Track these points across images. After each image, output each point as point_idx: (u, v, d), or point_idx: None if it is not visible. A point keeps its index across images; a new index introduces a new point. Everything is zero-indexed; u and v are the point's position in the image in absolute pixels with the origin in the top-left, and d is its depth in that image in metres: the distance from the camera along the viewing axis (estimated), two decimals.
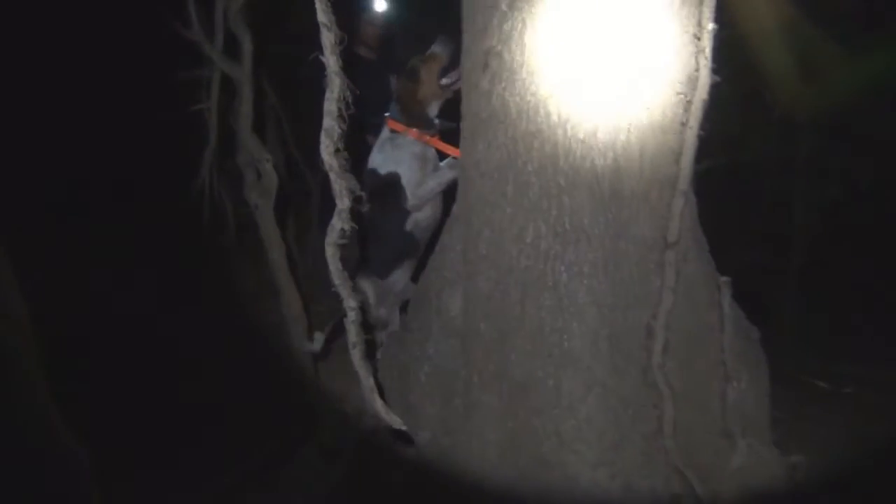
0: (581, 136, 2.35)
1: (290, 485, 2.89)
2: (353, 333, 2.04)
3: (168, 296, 4.09)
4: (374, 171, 3.49)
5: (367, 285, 3.52)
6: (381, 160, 3.49)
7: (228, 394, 3.29)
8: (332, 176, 1.92)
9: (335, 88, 1.86)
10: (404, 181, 3.40)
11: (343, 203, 1.93)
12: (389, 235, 3.50)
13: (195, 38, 3.30)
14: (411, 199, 3.41)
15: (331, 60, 1.85)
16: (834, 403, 4.05)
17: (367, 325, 2.97)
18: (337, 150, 1.90)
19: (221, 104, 3.60)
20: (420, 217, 3.48)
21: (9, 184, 3.39)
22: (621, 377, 2.50)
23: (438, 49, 3.43)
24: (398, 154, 3.44)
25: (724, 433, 2.65)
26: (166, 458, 2.73)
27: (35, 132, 4.10)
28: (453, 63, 3.31)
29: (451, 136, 3.21)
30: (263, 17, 3.48)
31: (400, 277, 3.62)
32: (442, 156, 3.54)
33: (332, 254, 1.96)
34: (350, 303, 2.03)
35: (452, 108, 3.17)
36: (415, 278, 3.49)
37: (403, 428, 2.34)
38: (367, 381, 2.13)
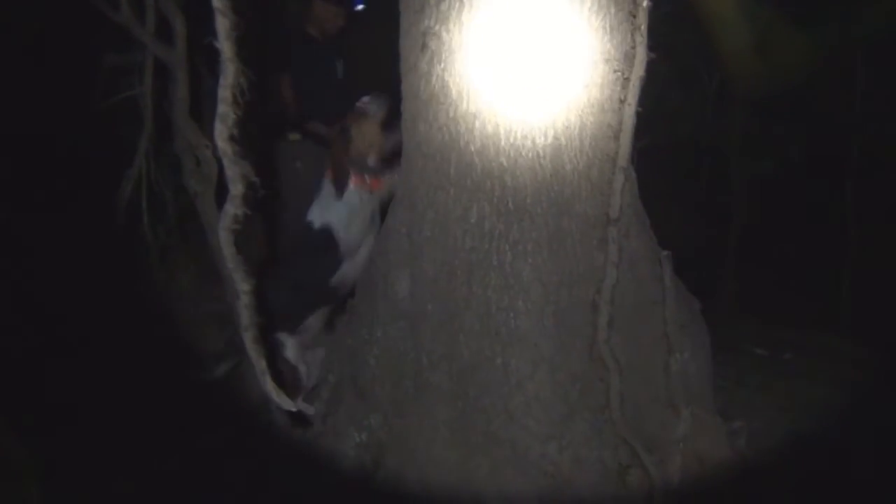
0: (521, 115, 2.36)
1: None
2: (244, 317, 2.04)
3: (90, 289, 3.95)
4: (310, 223, 3.35)
5: (284, 339, 3.22)
6: (317, 212, 3.34)
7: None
8: (225, 162, 1.90)
9: (229, 75, 1.83)
10: (340, 233, 3.27)
11: (237, 189, 1.91)
12: (309, 287, 3.34)
13: (124, 21, 3.19)
14: (344, 247, 3.28)
15: (225, 46, 1.81)
16: (774, 370, 4.19)
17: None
18: (231, 137, 1.88)
19: (155, 90, 3.50)
20: (349, 272, 3.31)
21: None
22: (568, 353, 2.54)
23: (372, 107, 3.34)
24: (336, 207, 3.28)
25: (668, 403, 2.72)
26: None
27: None
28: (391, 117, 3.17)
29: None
30: None
31: (316, 321, 3.43)
32: None
33: (224, 238, 1.96)
34: (243, 286, 2.02)
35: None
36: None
37: (294, 409, 2.34)
38: (260, 364, 2.13)
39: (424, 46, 2.43)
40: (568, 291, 2.53)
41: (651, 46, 2.38)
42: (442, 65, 2.40)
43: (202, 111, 4.28)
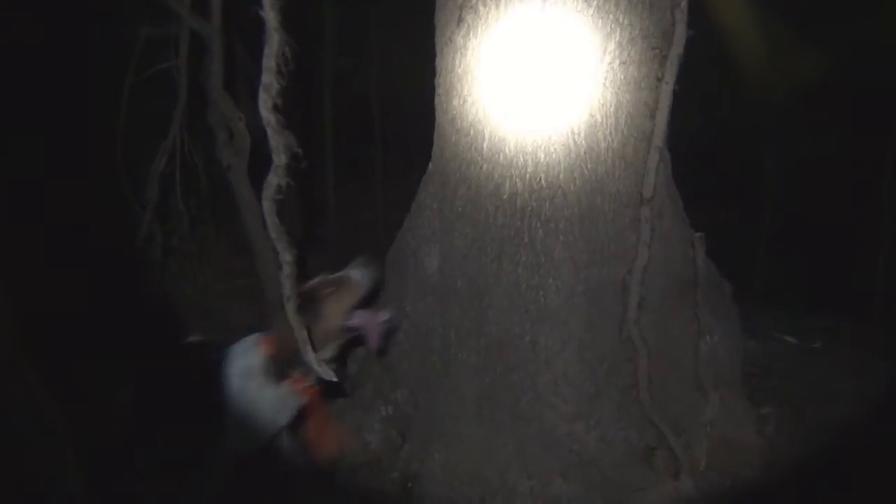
0: (557, 90, 2.33)
1: None
2: (287, 287, 2.05)
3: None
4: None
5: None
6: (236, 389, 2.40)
7: None
8: (269, 132, 1.92)
9: (274, 44, 1.85)
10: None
11: (280, 159, 1.93)
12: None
13: None
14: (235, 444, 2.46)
15: (270, 15, 1.83)
16: (803, 358, 4.15)
17: None
18: (275, 107, 1.90)
19: (191, 63, 3.53)
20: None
21: None
22: (597, 332, 2.53)
23: (357, 275, 2.49)
24: (252, 398, 2.40)
25: (697, 386, 2.70)
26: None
27: None
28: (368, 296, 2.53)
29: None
30: None
31: None
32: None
33: (268, 207, 1.97)
34: (286, 256, 2.03)
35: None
36: None
37: (335, 379, 2.32)
38: (301, 335, 2.14)
39: (461, 20, 2.41)
40: (599, 270, 2.51)
41: (690, 24, 2.35)
42: (478, 39, 2.38)
43: (236, 85, 4.32)
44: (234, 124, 3.30)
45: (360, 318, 2.47)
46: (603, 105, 2.36)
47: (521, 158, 2.41)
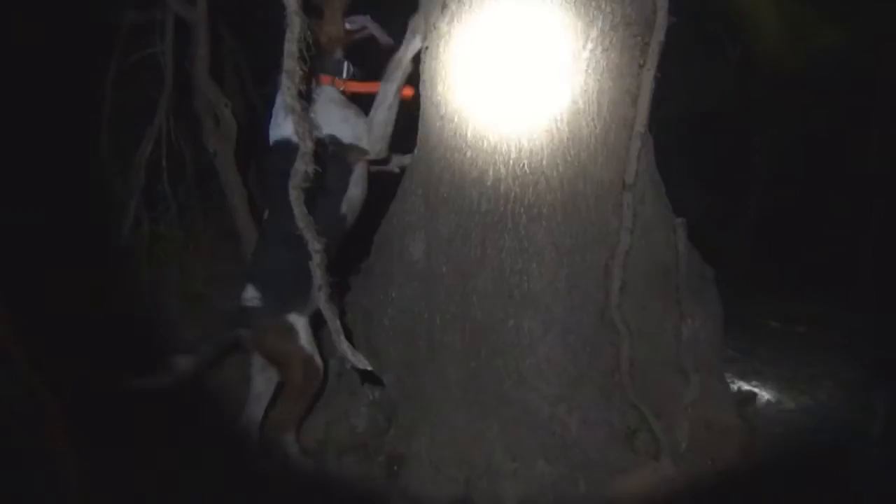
0: (539, 77, 2.35)
1: None
2: (318, 276, 2.05)
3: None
4: (287, 143, 2.54)
5: (295, 321, 2.65)
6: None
7: None
8: (293, 118, 1.90)
9: (295, 29, 1.82)
10: (346, 137, 2.67)
11: (306, 146, 1.91)
12: (325, 224, 2.47)
13: None
14: (374, 143, 2.70)
15: (291, 1, 1.81)
16: (786, 342, 4.21)
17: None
18: (298, 93, 1.88)
19: (176, 48, 3.52)
20: (356, 193, 2.75)
21: None
22: (579, 316, 2.57)
23: None
24: (321, 110, 2.62)
25: (678, 369, 2.75)
26: None
27: None
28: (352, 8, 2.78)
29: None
30: None
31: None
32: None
33: (296, 196, 1.96)
34: (315, 245, 2.03)
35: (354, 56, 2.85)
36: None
37: (369, 368, 2.37)
38: (334, 324, 2.14)
39: (444, 7, 2.43)
40: (581, 255, 2.54)
41: (672, 11, 2.37)
42: (461, 25, 2.40)
43: (223, 71, 4.31)
44: (221, 111, 3.30)
45: (356, 20, 2.77)
46: (585, 92, 2.38)
47: (505, 145, 2.44)
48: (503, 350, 2.56)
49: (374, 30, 2.81)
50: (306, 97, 2.55)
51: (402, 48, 2.66)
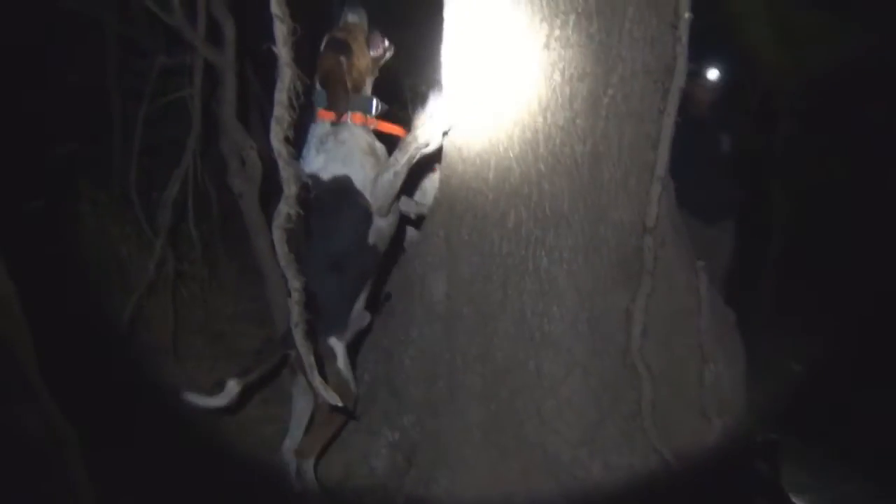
0: (561, 122, 2.39)
1: None
2: (295, 313, 2.08)
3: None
4: (315, 177, 2.68)
5: (335, 344, 2.72)
6: (322, 162, 2.70)
7: None
8: (280, 162, 1.97)
9: (286, 79, 1.90)
10: (359, 183, 2.68)
11: (290, 190, 1.98)
12: (348, 257, 2.72)
13: (177, 24, 3.29)
14: (377, 202, 2.69)
15: (283, 52, 1.89)
16: (809, 384, 4.15)
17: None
18: (286, 139, 1.95)
19: (204, 92, 3.60)
20: (383, 224, 2.77)
21: None
22: (601, 359, 2.56)
23: (354, 18, 2.77)
24: (343, 150, 2.69)
25: (700, 414, 2.72)
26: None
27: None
28: (371, 34, 2.80)
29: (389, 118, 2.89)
30: (244, 2, 3.46)
31: (361, 307, 2.89)
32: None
33: (279, 236, 2.01)
34: (294, 283, 2.07)
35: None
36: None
37: (340, 405, 2.37)
38: (308, 359, 2.17)
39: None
40: (602, 298, 2.55)
41: (691, 58, 2.40)
42: (484, 72, 2.44)
43: (248, 114, 4.40)
44: (246, 152, 3.35)
45: (378, 45, 2.80)
46: (606, 137, 2.42)
47: (527, 188, 2.47)
48: (524, 392, 2.56)
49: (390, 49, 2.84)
50: (331, 136, 2.73)
51: (422, 128, 2.62)
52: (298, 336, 2.12)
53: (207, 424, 3.16)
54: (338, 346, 2.72)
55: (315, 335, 2.43)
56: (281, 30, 1.83)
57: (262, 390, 3.32)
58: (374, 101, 2.81)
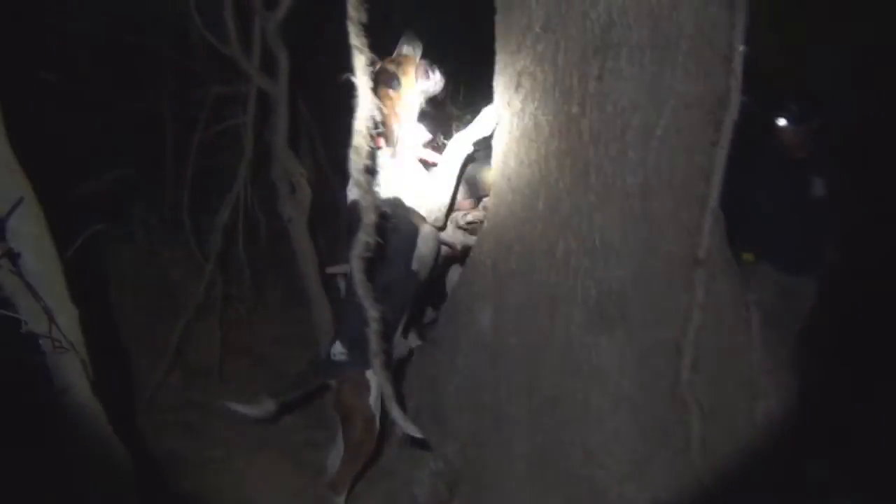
0: (612, 154, 2.39)
1: None
2: (374, 343, 2.08)
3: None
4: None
5: (370, 377, 2.74)
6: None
7: None
8: (359, 192, 1.98)
9: (364, 109, 1.92)
10: (408, 200, 2.83)
11: (368, 218, 1.99)
12: (393, 284, 2.77)
13: (233, 54, 3.39)
14: (430, 214, 2.85)
15: (361, 81, 1.91)
16: (866, 420, 4.02)
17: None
18: (366, 168, 1.96)
19: (257, 120, 3.69)
20: (426, 251, 2.86)
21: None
22: (649, 393, 2.52)
23: (409, 50, 2.88)
24: (389, 176, 2.81)
25: (752, 451, 2.66)
26: None
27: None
28: (420, 65, 2.87)
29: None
30: (297, 34, 3.55)
31: (399, 336, 2.97)
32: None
33: (357, 266, 2.02)
34: (372, 313, 2.07)
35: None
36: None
37: (420, 436, 2.37)
38: (388, 390, 2.17)
39: (519, 86, 2.50)
40: (652, 331, 2.52)
41: (745, 90, 2.38)
42: (535, 103, 2.46)
43: (299, 141, 4.49)
44: (297, 179, 3.43)
45: (427, 77, 2.86)
46: (657, 169, 2.40)
47: (576, 219, 2.46)
48: (570, 424, 2.53)
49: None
50: (378, 163, 2.78)
51: (471, 130, 2.79)
52: (377, 366, 2.12)
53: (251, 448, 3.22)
54: (374, 379, 2.72)
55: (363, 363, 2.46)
56: (360, 60, 1.86)
57: (307, 414, 3.38)
58: (422, 130, 2.95)
